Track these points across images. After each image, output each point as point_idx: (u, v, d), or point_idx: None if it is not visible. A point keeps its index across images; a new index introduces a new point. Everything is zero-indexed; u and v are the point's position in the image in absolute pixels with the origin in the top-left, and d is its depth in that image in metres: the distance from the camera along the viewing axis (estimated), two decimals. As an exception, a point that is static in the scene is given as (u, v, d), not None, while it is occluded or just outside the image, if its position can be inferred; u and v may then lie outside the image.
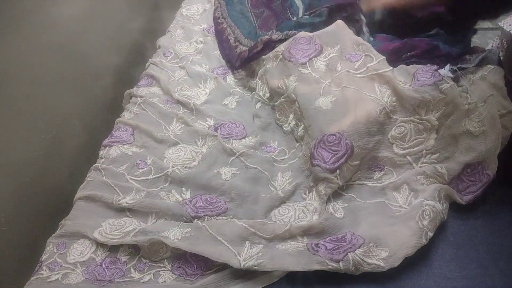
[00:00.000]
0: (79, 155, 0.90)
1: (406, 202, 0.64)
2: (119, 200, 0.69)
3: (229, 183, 0.72)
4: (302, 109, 0.76)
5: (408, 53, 0.80)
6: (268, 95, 0.87)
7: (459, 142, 0.66)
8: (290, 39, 0.85)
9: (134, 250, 0.64)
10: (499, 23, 1.07)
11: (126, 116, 0.89)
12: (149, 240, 0.61)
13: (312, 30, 0.87)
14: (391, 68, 0.75)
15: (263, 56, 0.89)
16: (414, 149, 0.69)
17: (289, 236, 0.62)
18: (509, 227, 0.59)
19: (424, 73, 0.74)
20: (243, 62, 0.95)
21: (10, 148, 0.71)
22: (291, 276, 0.57)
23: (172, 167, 0.76)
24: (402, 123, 0.69)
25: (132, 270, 0.62)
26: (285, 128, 0.82)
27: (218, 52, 1.07)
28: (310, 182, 0.71)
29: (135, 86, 0.97)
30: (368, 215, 0.64)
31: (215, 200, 0.70)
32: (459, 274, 0.55)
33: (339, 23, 0.85)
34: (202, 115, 0.88)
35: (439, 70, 0.73)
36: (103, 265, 0.62)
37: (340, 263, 0.54)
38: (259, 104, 0.87)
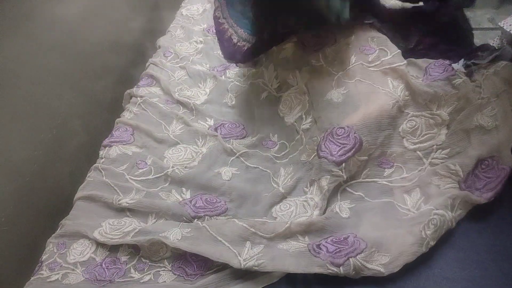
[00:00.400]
0: (79, 155, 0.90)
1: (415, 206, 0.63)
2: (119, 200, 0.69)
3: (229, 183, 0.72)
4: (313, 101, 0.76)
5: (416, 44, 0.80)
6: (276, 85, 0.85)
7: (471, 137, 0.66)
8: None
9: (134, 250, 0.64)
10: (499, 23, 1.07)
11: (126, 116, 0.89)
12: (149, 240, 0.61)
13: None
14: (405, 62, 0.74)
15: (274, 47, 0.87)
16: (425, 144, 0.68)
17: (289, 234, 0.62)
18: (509, 228, 0.59)
19: (436, 67, 0.73)
20: (250, 55, 0.93)
21: (10, 148, 0.71)
22: (291, 276, 0.57)
23: (172, 167, 0.76)
24: (413, 117, 0.69)
25: (132, 270, 0.61)
26: (286, 120, 0.81)
27: (218, 51, 1.07)
28: (311, 175, 0.70)
29: (135, 86, 0.97)
30: (373, 215, 0.63)
31: (215, 200, 0.70)
32: (460, 275, 0.55)
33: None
34: (202, 115, 0.88)
35: (453, 65, 0.72)
36: (103, 265, 0.62)
37: (341, 267, 0.54)
38: (265, 94, 0.86)
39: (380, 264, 0.55)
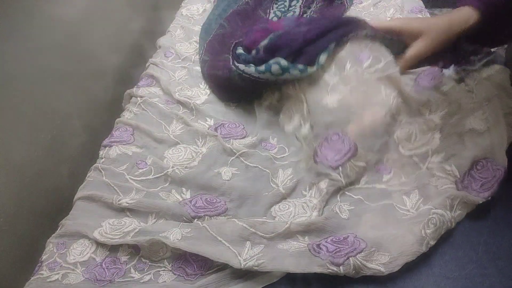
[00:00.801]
0: (79, 155, 0.90)
1: (415, 207, 0.63)
2: (119, 200, 0.69)
3: (229, 183, 0.72)
4: (310, 107, 0.77)
5: None
6: (278, 96, 0.87)
7: (465, 139, 0.67)
8: None
9: (134, 250, 0.64)
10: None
11: (126, 116, 0.89)
12: (149, 240, 0.61)
13: None
14: (398, 68, 0.75)
15: None
16: (420, 150, 0.69)
17: (289, 234, 0.62)
18: (508, 227, 0.59)
19: (425, 76, 0.75)
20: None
21: (10, 148, 0.71)
22: (291, 276, 0.57)
23: (172, 167, 0.76)
24: (407, 124, 0.70)
25: (132, 270, 0.62)
26: (286, 129, 0.82)
27: (218, 51, 1.07)
28: (311, 179, 0.71)
29: (135, 86, 0.97)
30: (373, 216, 0.63)
31: (215, 200, 0.70)
32: (459, 274, 0.55)
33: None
34: (202, 115, 0.88)
35: (444, 71, 0.74)
36: (103, 265, 0.62)
37: (341, 267, 0.54)
38: (266, 103, 0.87)
39: (380, 263, 0.55)
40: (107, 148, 0.81)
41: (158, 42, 1.14)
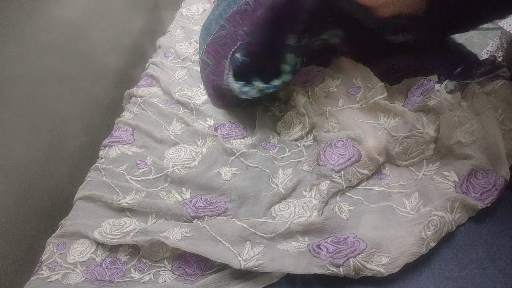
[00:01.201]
0: (79, 155, 0.90)
1: (415, 208, 0.63)
2: (119, 200, 0.69)
3: (229, 183, 0.72)
4: (311, 123, 0.80)
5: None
6: (279, 106, 0.89)
7: (455, 152, 0.67)
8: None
9: (134, 250, 0.64)
10: (499, 23, 1.07)
11: (126, 116, 0.89)
12: (149, 240, 0.61)
13: None
14: (385, 94, 0.77)
15: None
16: (415, 159, 0.70)
17: (289, 234, 0.62)
18: (508, 227, 0.59)
19: (415, 91, 0.77)
20: None
21: (10, 148, 0.71)
22: (291, 276, 0.57)
23: (172, 167, 0.76)
24: (405, 139, 0.71)
25: (132, 270, 0.62)
26: (284, 137, 0.83)
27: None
28: (311, 180, 0.71)
29: (135, 86, 0.97)
30: (373, 217, 0.63)
31: (215, 200, 0.70)
32: (459, 274, 0.55)
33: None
34: (202, 115, 0.88)
35: (436, 85, 0.76)
36: (103, 265, 0.62)
37: (341, 268, 0.54)
38: (264, 107, 0.89)
39: (380, 264, 0.55)
40: (107, 148, 0.81)
41: (158, 42, 1.14)
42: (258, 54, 0.82)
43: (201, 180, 0.73)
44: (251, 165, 0.76)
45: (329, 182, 0.68)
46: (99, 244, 0.64)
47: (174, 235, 0.62)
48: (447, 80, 0.76)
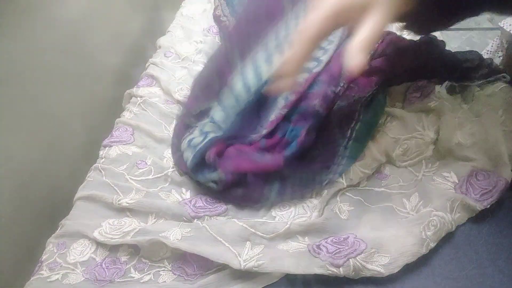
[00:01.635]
0: (79, 155, 0.90)
1: (415, 209, 0.63)
2: (119, 200, 0.69)
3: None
4: None
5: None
6: None
7: (455, 154, 0.67)
8: None
9: (134, 250, 0.64)
10: (499, 23, 1.07)
11: (126, 116, 0.89)
12: (149, 240, 0.61)
13: None
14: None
15: None
16: (414, 160, 0.70)
17: (289, 234, 0.62)
18: (508, 227, 0.59)
19: (414, 92, 0.77)
20: None
21: (10, 148, 0.71)
22: (291, 276, 0.57)
23: (172, 167, 0.76)
24: (406, 141, 0.70)
25: (132, 270, 0.62)
26: None
27: (218, 51, 1.07)
28: None
29: (135, 86, 0.97)
30: (373, 217, 0.63)
31: (215, 200, 0.70)
32: (459, 274, 0.55)
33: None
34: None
35: (436, 86, 0.75)
36: (103, 265, 0.62)
37: (341, 268, 0.54)
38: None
39: (380, 264, 0.55)
40: (107, 148, 0.81)
41: (158, 42, 1.14)
42: None
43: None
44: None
45: (329, 182, 0.68)
46: (99, 244, 0.64)
47: (174, 235, 0.62)
48: (447, 82, 0.76)
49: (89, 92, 0.97)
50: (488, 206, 0.60)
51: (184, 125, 0.79)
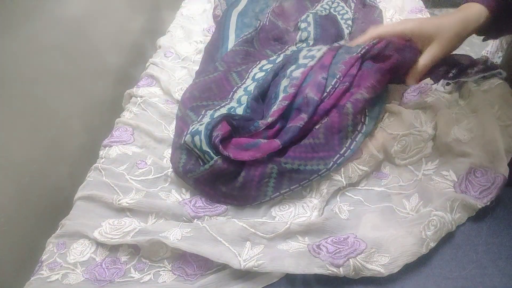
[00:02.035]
0: (79, 155, 0.90)
1: (415, 209, 0.63)
2: (119, 200, 0.69)
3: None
4: None
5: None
6: None
7: (453, 149, 0.67)
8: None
9: (134, 250, 0.64)
10: (499, 23, 1.07)
11: (126, 116, 0.89)
12: (149, 240, 0.61)
13: None
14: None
15: None
16: (414, 158, 0.70)
17: (289, 234, 0.62)
18: (508, 227, 0.59)
19: (411, 91, 0.78)
20: None
21: (10, 148, 0.71)
22: (291, 276, 0.57)
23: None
24: (403, 137, 0.71)
25: (132, 270, 0.62)
26: None
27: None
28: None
29: (135, 86, 0.97)
30: (373, 217, 0.63)
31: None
32: (459, 274, 0.55)
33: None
34: (202, 115, 0.88)
35: (433, 86, 0.76)
36: (103, 265, 0.62)
37: (341, 268, 0.54)
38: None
39: (380, 264, 0.55)
40: (107, 148, 0.81)
41: (158, 42, 1.14)
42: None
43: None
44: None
45: (328, 181, 0.68)
46: (99, 244, 0.64)
47: (174, 235, 0.62)
48: (443, 79, 0.76)
49: (89, 92, 0.97)
50: (488, 203, 0.60)
51: (184, 123, 0.80)
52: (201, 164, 0.70)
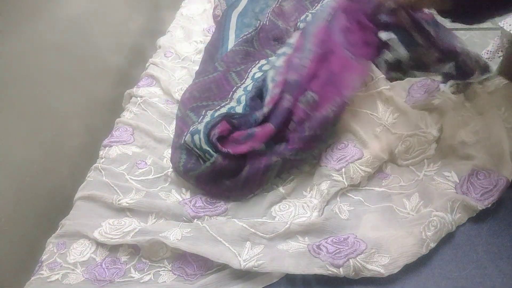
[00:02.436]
0: (79, 155, 0.90)
1: (415, 209, 0.63)
2: (119, 200, 0.69)
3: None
4: None
5: None
6: None
7: (458, 151, 0.67)
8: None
9: (134, 250, 0.64)
10: (499, 23, 1.07)
11: (126, 116, 0.89)
12: (149, 240, 0.61)
13: None
14: (389, 86, 0.77)
15: None
16: (416, 159, 0.70)
17: (289, 234, 0.62)
18: (508, 227, 0.59)
19: (418, 89, 0.77)
20: None
21: (10, 148, 0.71)
22: (291, 276, 0.57)
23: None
24: (408, 138, 0.71)
25: (132, 270, 0.62)
26: None
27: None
28: (312, 180, 0.71)
29: (135, 86, 0.97)
30: (373, 217, 0.63)
31: (214, 200, 0.70)
32: (459, 274, 0.55)
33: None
34: (202, 115, 0.88)
35: (440, 85, 0.76)
36: (103, 265, 0.62)
37: (341, 268, 0.54)
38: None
39: (380, 265, 0.55)
40: (107, 148, 0.81)
41: (158, 42, 1.14)
42: None
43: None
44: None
45: (329, 181, 0.68)
46: (99, 244, 0.64)
47: (174, 235, 0.62)
48: (451, 81, 0.76)
49: (89, 92, 0.97)
50: (489, 205, 0.60)
51: (184, 123, 0.80)
52: (202, 163, 0.71)
